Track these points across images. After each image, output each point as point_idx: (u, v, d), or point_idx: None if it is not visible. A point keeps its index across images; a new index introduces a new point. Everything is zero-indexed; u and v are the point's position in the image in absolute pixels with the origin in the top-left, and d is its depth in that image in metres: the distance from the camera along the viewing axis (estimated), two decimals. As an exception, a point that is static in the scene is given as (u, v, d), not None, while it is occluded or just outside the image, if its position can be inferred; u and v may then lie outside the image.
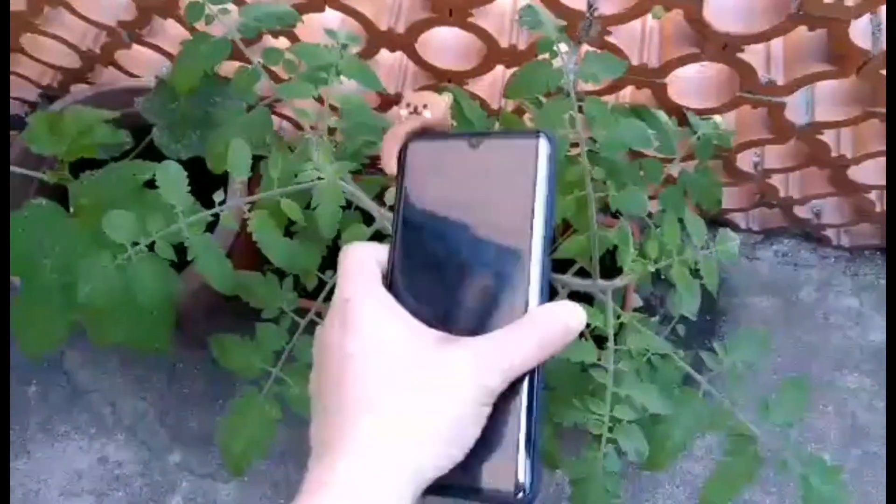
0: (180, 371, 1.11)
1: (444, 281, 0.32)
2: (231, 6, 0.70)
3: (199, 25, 0.68)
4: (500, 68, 0.83)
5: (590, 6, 0.72)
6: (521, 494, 0.29)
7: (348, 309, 0.31)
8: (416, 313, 0.32)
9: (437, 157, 0.35)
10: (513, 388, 0.30)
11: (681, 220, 0.65)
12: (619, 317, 0.64)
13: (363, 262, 0.33)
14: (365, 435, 0.28)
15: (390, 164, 0.37)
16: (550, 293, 0.32)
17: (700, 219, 0.59)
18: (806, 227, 1.10)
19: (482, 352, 0.29)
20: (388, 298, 0.32)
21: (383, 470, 0.27)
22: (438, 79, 0.85)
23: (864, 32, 0.68)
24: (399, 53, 0.83)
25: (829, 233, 1.10)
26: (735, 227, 1.12)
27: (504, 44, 0.77)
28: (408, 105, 0.39)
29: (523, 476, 0.29)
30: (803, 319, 1.09)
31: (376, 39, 0.79)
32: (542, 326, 0.30)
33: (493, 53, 0.78)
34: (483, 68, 0.82)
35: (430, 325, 0.31)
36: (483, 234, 0.32)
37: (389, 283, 0.33)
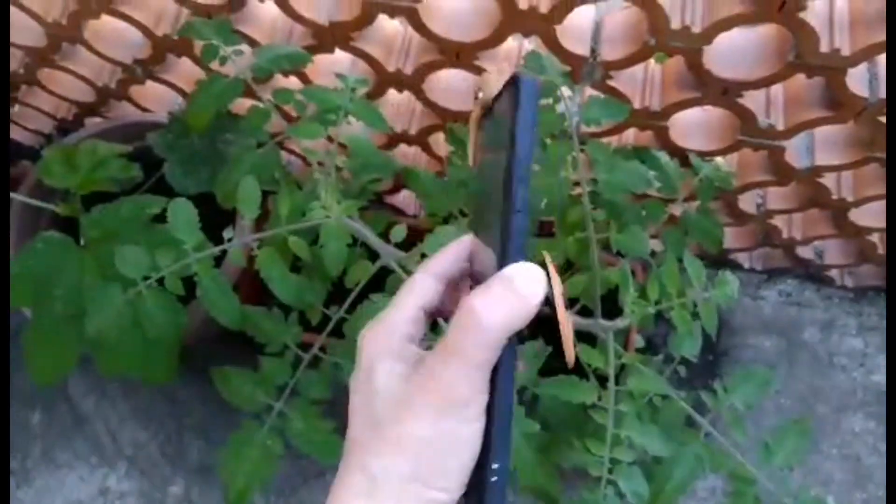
0: (182, 401, 1.12)
1: (481, 235, 0.33)
2: (245, 48, 0.73)
3: (214, 65, 0.70)
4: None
5: (592, 51, 0.74)
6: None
7: (363, 357, 0.33)
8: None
9: (484, 130, 0.37)
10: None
11: (680, 260, 0.66)
12: (620, 356, 0.65)
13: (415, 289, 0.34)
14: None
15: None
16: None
17: (699, 261, 0.60)
18: (809, 268, 1.10)
19: (456, 338, 0.30)
20: (402, 341, 0.32)
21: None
22: (444, 119, 0.86)
23: (861, 80, 0.70)
24: (407, 93, 0.85)
25: (833, 273, 1.10)
26: (738, 267, 1.13)
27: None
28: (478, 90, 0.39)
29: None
30: (807, 360, 1.09)
31: (384, 80, 0.81)
32: (510, 290, 0.29)
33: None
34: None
35: None
36: (487, 196, 0.33)
37: None
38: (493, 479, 0.29)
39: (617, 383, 0.61)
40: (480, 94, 0.37)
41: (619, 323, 0.60)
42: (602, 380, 0.64)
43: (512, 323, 0.28)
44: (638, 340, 0.73)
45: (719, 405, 0.65)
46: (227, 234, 0.60)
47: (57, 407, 1.12)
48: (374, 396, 0.31)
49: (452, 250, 0.35)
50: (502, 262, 0.29)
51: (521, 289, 0.28)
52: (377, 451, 0.30)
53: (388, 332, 0.32)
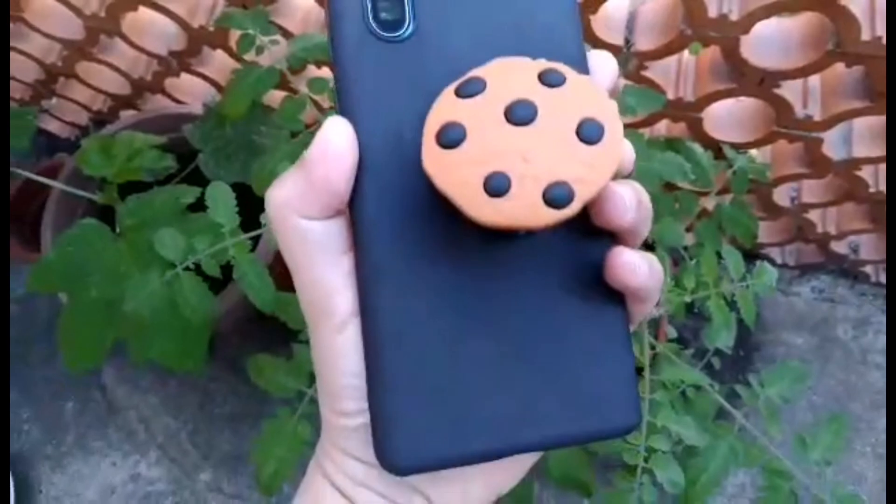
0: (212, 391, 1.13)
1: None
2: (279, 38, 0.73)
3: (249, 56, 0.71)
4: None
5: (626, 41, 0.73)
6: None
7: None
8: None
9: None
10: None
11: (718, 253, 0.65)
12: (653, 347, 0.64)
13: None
14: None
15: None
16: None
17: (738, 251, 0.60)
18: (843, 263, 1.08)
19: None
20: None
21: None
22: None
23: (903, 69, 0.69)
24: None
25: (868, 269, 1.08)
26: (771, 262, 1.11)
27: None
28: None
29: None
30: (840, 357, 1.08)
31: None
32: None
33: None
34: None
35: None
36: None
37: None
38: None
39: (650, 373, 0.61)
40: None
41: (654, 311, 0.59)
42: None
43: None
44: (670, 331, 0.73)
45: (754, 399, 0.64)
46: (263, 219, 0.60)
47: (91, 396, 1.14)
48: None
49: None
50: None
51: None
52: None
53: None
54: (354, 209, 0.22)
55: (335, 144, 0.21)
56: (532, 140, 0.20)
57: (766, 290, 0.59)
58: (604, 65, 0.24)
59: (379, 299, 0.22)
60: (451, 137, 0.20)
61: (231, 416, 1.12)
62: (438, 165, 0.20)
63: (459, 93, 0.20)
